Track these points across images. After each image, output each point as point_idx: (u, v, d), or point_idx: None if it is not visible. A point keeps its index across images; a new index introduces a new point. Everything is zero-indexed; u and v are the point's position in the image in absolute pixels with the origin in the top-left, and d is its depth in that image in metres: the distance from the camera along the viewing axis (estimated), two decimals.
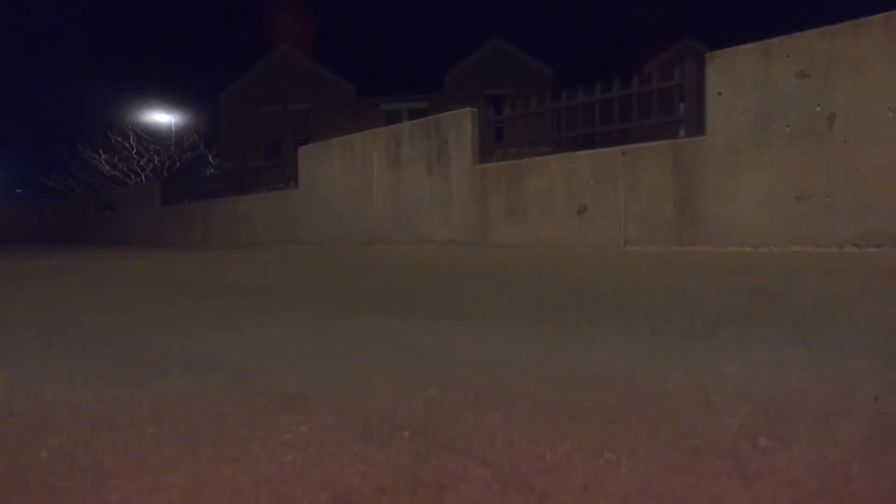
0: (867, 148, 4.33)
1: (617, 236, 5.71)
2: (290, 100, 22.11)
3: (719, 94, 5.08)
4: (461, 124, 7.08)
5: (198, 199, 12.74)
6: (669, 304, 2.55)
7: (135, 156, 23.56)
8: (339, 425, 1.21)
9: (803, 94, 4.62)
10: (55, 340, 2.24)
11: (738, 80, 4.94)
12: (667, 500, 0.84)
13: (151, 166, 24.02)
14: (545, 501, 0.85)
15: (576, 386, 1.40)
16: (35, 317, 2.92)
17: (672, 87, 5.55)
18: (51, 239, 19.91)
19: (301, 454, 1.06)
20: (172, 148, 23.79)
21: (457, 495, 0.88)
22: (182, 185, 13.70)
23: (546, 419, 1.19)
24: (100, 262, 7.60)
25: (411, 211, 7.79)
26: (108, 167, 23.65)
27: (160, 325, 2.51)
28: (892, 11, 4.23)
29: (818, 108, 4.56)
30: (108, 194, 17.40)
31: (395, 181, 8.03)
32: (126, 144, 23.35)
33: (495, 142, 7.29)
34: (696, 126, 5.28)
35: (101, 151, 23.40)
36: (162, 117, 24.45)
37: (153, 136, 23.89)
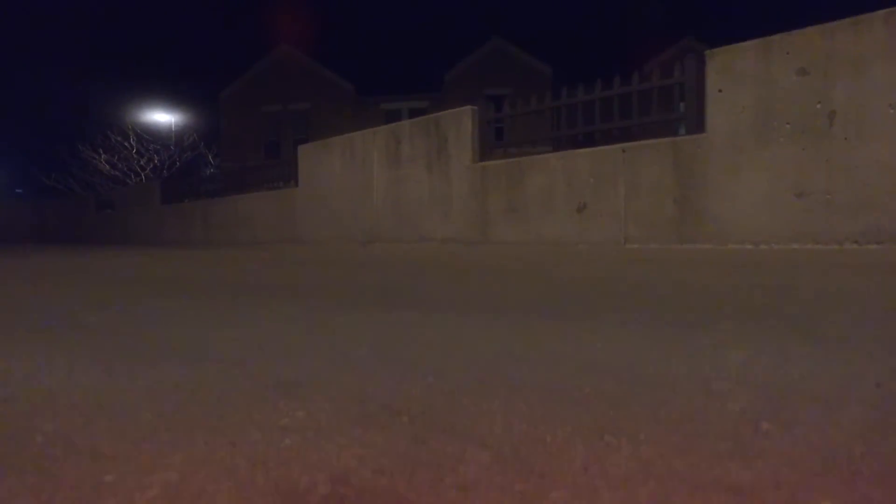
0: (868, 145, 4.33)
1: (617, 234, 5.70)
2: (290, 99, 22.11)
3: (719, 91, 5.07)
4: (461, 122, 7.07)
5: (198, 199, 12.74)
6: (670, 298, 2.55)
7: (135, 155, 23.55)
8: (337, 410, 1.20)
9: (804, 92, 4.61)
10: (53, 333, 2.23)
11: (738, 77, 4.94)
12: (668, 480, 0.83)
13: (151, 166, 24.01)
14: (545, 481, 0.84)
15: (576, 374, 1.39)
16: (33, 311, 2.91)
17: (672, 84, 5.54)
18: (50, 238, 19.90)
19: (299, 438, 1.05)
20: (172, 148, 23.78)
21: (455, 476, 0.88)
22: (182, 185, 13.69)
23: (546, 405, 1.18)
24: (98, 260, 7.59)
25: (411, 209, 7.79)
26: (108, 167, 23.64)
27: (158, 319, 2.50)
28: (892, 8, 4.23)
29: (818, 106, 4.55)
30: (108, 194, 17.39)
31: (395, 180, 8.02)
32: (126, 144, 23.35)
33: (495, 140, 7.28)
34: (697, 123, 5.27)
35: (101, 151, 23.39)
36: (162, 117, 24.44)
37: (153, 136, 23.88)
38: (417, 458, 0.94)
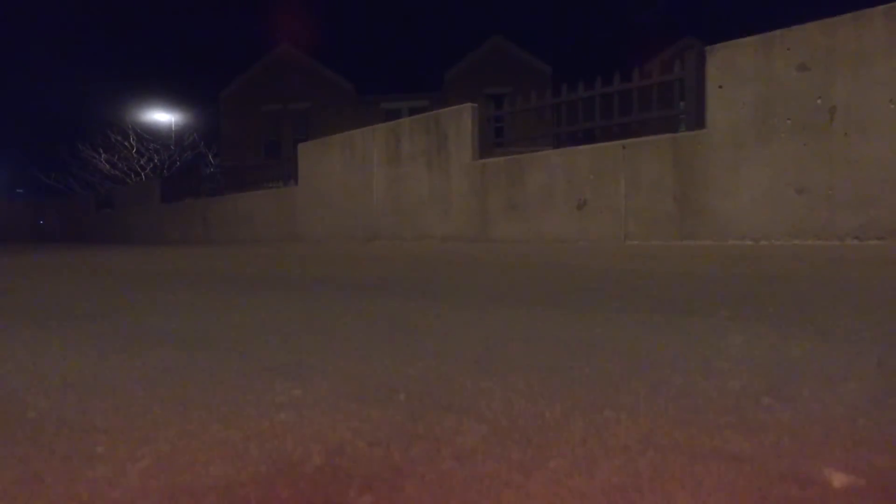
0: (868, 140, 4.31)
1: (617, 231, 5.69)
2: (290, 99, 22.11)
3: (720, 87, 5.06)
4: (461, 120, 7.06)
5: (198, 198, 12.73)
6: (670, 288, 2.53)
7: (135, 155, 23.55)
8: (334, 389, 1.18)
9: (804, 87, 4.61)
10: (50, 321, 2.22)
11: (738, 73, 4.93)
12: (668, 450, 0.82)
13: (151, 166, 24.00)
14: (543, 452, 0.83)
15: (576, 355, 1.38)
16: (30, 302, 2.90)
17: (672, 80, 5.53)
18: (50, 237, 19.90)
19: (294, 414, 1.04)
20: (172, 147, 23.78)
21: (452, 447, 0.86)
22: (182, 184, 13.68)
23: (545, 383, 1.17)
24: (95, 256, 7.58)
25: (411, 207, 7.77)
26: (108, 166, 23.64)
27: (155, 308, 2.49)
28: (892, 3, 4.22)
29: (819, 101, 4.54)
30: (108, 193, 17.38)
31: (394, 177, 8.01)
32: (126, 144, 23.36)
33: (495, 138, 7.27)
34: (697, 120, 5.26)
35: (101, 151, 23.40)
36: (162, 116, 24.43)
37: (153, 136, 23.89)
38: (414, 432, 0.93)
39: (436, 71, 22.44)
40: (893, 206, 4.19)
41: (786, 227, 4.68)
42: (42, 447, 0.92)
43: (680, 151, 5.26)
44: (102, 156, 23.55)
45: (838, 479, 0.71)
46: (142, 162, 23.93)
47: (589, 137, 6.31)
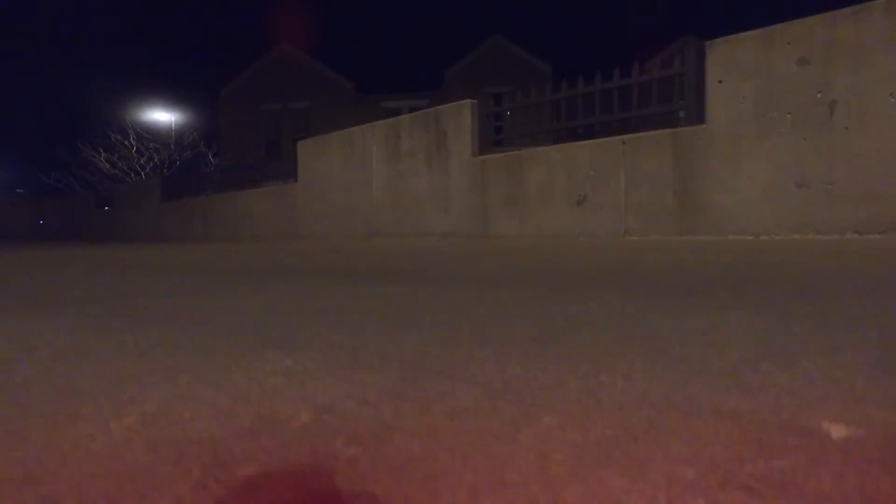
0: (868, 134, 4.30)
1: (617, 226, 5.67)
2: (290, 98, 22.12)
3: (720, 82, 5.05)
4: (461, 116, 7.05)
5: (198, 196, 12.72)
6: (669, 274, 2.51)
7: (135, 154, 23.57)
8: (326, 359, 1.17)
9: (804, 81, 4.59)
10: (46, 306, 2.20)
11: (738, 67, 4.92)
12: (664, 408, 0.80)
13: (151, 165, 24.03)
14: (536, 409, 0.81)
15: (572, 330, 1.36)
16: (27, 291, 2.88)
17: (672, 76, 5.52)
18: (50, 236, 19.88)
19: (284, 380, 1.02)
20: (172, 146, 23.80)
21: (443, 406, 0.84)
22: (182, 182, 13.68)
23: (540, 353, 1.15)
24: (95, 252, 7.56)
25: (411, 204, 7.76)
26: (108, 165, 23.66)
27: (152, 294, 2.48)
28: None
29: (819, 95, 4.53)
30: (108, 191, 17.38)
31: (394, 174, 8.00)
32: (126, 143, 23.38)
33: (495, 134, 7.26)
34: (697, 114, 5.25)
35: (100, 150, 23.41)
36: (162, 116, 24.45)
37: (153, 135, 23.91)
38: (405, 393, 0.91)
39: (436, 70, 22.46)
40: (894, 200, 4.17)
41: (786, 222, 4.66)
42: (26, 408, 0.90)
43: (680, 146, 5.25)
44: (102, 155, 23.57)
45: (837, 431, 0.69)
46: (142, 161, 23.95)
47: (589, 133, 6.30)
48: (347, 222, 8.73)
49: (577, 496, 0.55)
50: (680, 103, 5.51)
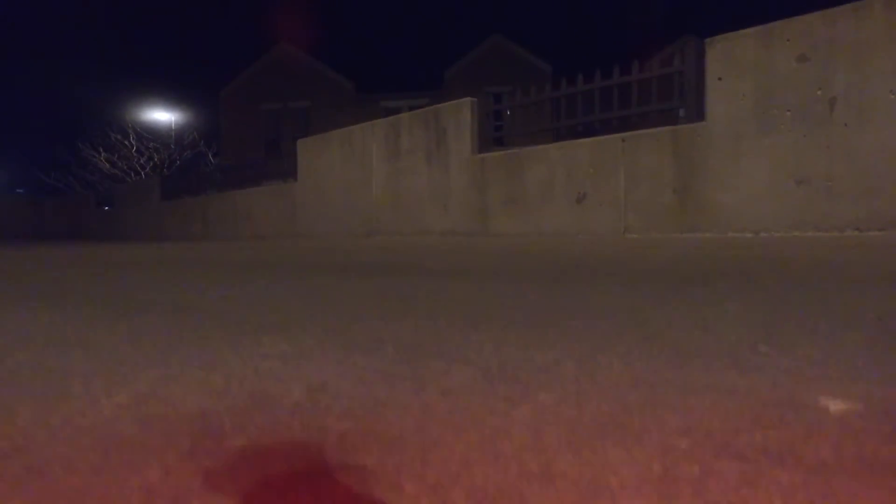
0: (868, 131, 4.29)
1: (617, 224, 5.66)
2: (289, 97, 22.09)
3: (719, 79, 5.03)
4: (460, 114, 7.04)
5: (197, 195, 12.71)
6: (668, 267, 2.50)
7: (134, 154, 23.57)
8: (321, 342, 1.16)
9: (804, 78, 4.58)
10: (43, 298, 2.19)
11: (738, 65, 4.91)
12: (660, 386, 0.79)
13: (151, 164, 24.02)
14: (532, 388, 0.80)
15: (571, 316, 1.35)
16: (25, 286, 2.87)
17: (672, 73, 5.51)
18: (50, 236, 19.87)
19: (278, 362, 1.01)
20: (172, 146, 23.80)
21: (438, 385, 0.84)
22: (182, 181, 13.67)
23: (538, 337, 1.14)
24: (95, 250, 7.56)
25: (411, 202, 7.75)
26: (108, 165, 23.66)
27: (149, 286, 2.46)
28: None
29: (819, 92, 4.51)
30: (108, 191, 17.38)
31: (394, 172, 7.99)
32: (126, 143, 23.38)
33: (495, 132, 7.25)
34: (696, 112, 5.24)
35: (100, 150, 23.41)
36: (162, 115, 24.44)
37: (153, 135, 23.91)
38: (400, 374, 0.90)
39: (436, 69, 22.45)
40: (894, 197, 4.16)
41: (786, 219, 4.65)
42: (17, 388, 0.89)
43: (679, 144, 5.24)
44: (102, 155, 23.57)
45: (835, 405, 0.68)
46: (142, 161, 23.95)
47: (589, 131, 6.29)
48: (347, 221, 8.72)
49: (569, 465, 0.55)
50: (680, 101, 5.51)
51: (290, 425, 0.68)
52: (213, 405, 0.77)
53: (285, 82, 22.15)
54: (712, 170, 5.09)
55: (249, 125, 22.44)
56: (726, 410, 0.68)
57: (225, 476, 0.55)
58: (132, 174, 23.78)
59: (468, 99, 7.03)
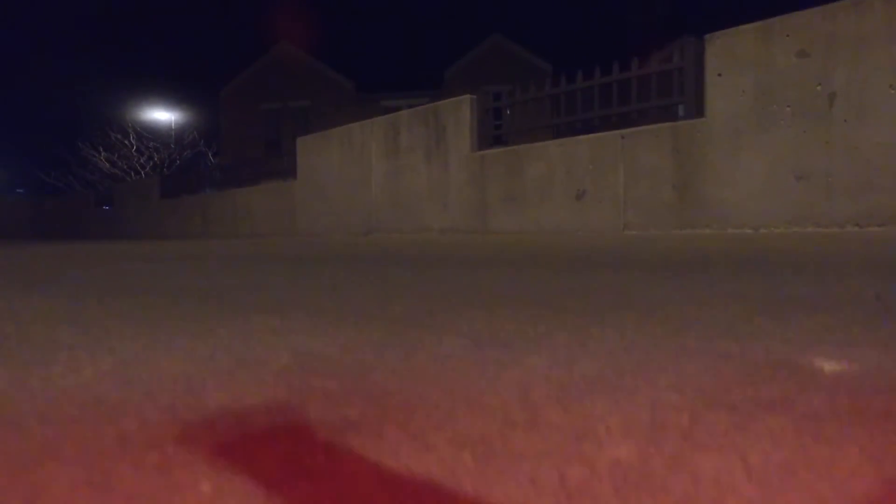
0: (868, 126, 4.27)
1: (616, 220, 5.64)
2: (289, 97, 22.10)
3: (719, 75, 5.02)
4: (460, 111, 7.03)
5: (197, 193, 12.71)
6: (665, 257, 2.49)
7: (134, 153, 23.58)
8: (313, 319, 1.14)
9: (804, 74, 4.57)
10: (37, 285, 2.18)
11: (738, 61, 4.90)
12: (653, 351, 0.78)
13: (151, 164, 24.03)
14: (522, 354, 0.79)
15: (565, 295, 1.34)
16: (17, 275, 2.86)
17: (671, 69, 5.50)
18: (49, 235, 19.87)
19: (269, 335, 1.00)
20: (172, 146, 23.80)
21: (428, 352, 0.82)
22: (181, 180, 13.67)
23: (532, 313, 1.12)
24: (94, 246, 7.55)
25: (410, 200, 7.74)
26: (108, 165, 23.66)
27: (141, 274, 2.45)
28: None
29: (819, 88, 4.50)
30: (108, 190, 17.37)
31: (393, 170, 7.98)
32: (126, 142, 23.39)
33: (494, 129, 7.24)
34: (696, 108, 5.22)
35: (100, 149, 23.41)
36: (162, 115, 24.45)
37: (153, 134, 23.92)
38: (390, 343, 0.89)
39: (436, 69, 22.46)
40: (893, 193, 4.15)
41: (785, 215, 4.63)
42: (7, 357, 0.88)
43: (679, 140, 5.22)
44: (102, 154, 23.57)
45: (829, 367, 0.67)
46: (142, 160, 23.95)
47: (588, 128, 6.28)
48: (346, 219, 8.70)
49: (556, 416, 0.53)
50: (679, 97, 5.49)
51: (274, 385, 0.67)
52: (197, 370, 0.76)
53: (285, 82, 22.16)
54: (712, 166, 5.08)
55: (249, 125, 22.45)
56: (719, 371, 0.66)
57: (203, 426, 0.53)
58: (132, 174, 23.78)
59: (467, 96, 7.02)
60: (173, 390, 0.65)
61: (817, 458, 0.42)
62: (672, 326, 0.94)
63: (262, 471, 0.43)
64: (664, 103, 5.68)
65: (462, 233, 7.07)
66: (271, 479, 0.42)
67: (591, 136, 5.99)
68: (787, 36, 4.71)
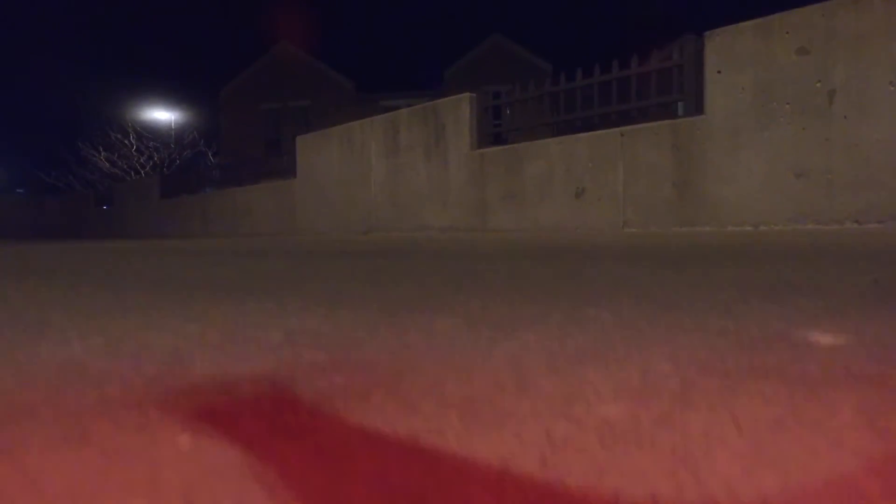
0: (868, 123, 4.27)
1: (615, 218, 5.63)
2: (289, 97, 22.12)
3: (719, 72, 5.01)
4: (460, 109, 7.03)
5: (196, 193, 12.71)
6: (662, 250, 2.48)
7: (135, 153, 23.57)
8: (307, 302, 1.13)
9: (803, 71, 4.56)
10: (31, 276, 2.17)
11: (737, 58, 4.89)
12: (647, 328, 0.77)
13: (151, 164, 24.02)
14: (514, 330, 0.78)
15: (562, 280, 1.33)
16: (16, 266, 2.86)
17: (671, 67, 5.49)
18: (49, 234, 19.87)
19: (261, 315, 0.99)
20: (172, 145, 23.79)
21: (420, 329, 0.81)
22: (181, 179, 13.66)
23: (527, 296, 1.12)
24: (94, 243, 7.54)
25: (409, 198, 7.73)
26: (108, 164, 23.65)
27: (140, 267, 2.44)
28: None
29: (818, 84, 4.49)
30: (108, 189, 17.37)
31: (393, 169, 7.97)
32: (126, 142, 23.38)
33: (494, 127, 7.23)
34: (696, 106, 5.21)
35: (100, 149, 23.40)
36: (162, 115, 24.45)
37: (153, 134, 23.91)
38: (383, 322, 0.88)
39: (436, 69, 22.55)
40: (893, 189, 4.14)
41: (785, 212, 4.62)
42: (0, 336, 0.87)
43: (679, 138, 5.22)
44: (102, 154, 23.56)
45: (826, 339, 0.66)
46: (142, 160, 23.94)
47: (588, 126, 6.27)
48: (346, 218, 8.70)
49: (546, 382, 0.52)
50: (679, 95, 5.49)
51: (262, 357, 0.66)
52: (185, 345, 0.75)
53: (285, 82, 22.18)
54: (711, 163, 5.07)
55: (249, 125, 22.47)
56: (714, 344, 0.66)
57: (186, 392, 0.53)
58: (132, 173, 23.78)
59: (467, 94, 7.01)
60: (160, 362, 0.64)
61: (810, 415, 0.41)
62: (667, 307, 0.93)
63: (242, 430, 0.42)
64: (664, 101, 5.67)
65: (461, 231, 7.06)
66: (251, 436, 0.41)
67: (590, 133, 5.98)
68: (787, 33, 4.71)
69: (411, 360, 0.62)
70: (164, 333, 0.84)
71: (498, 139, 7.24)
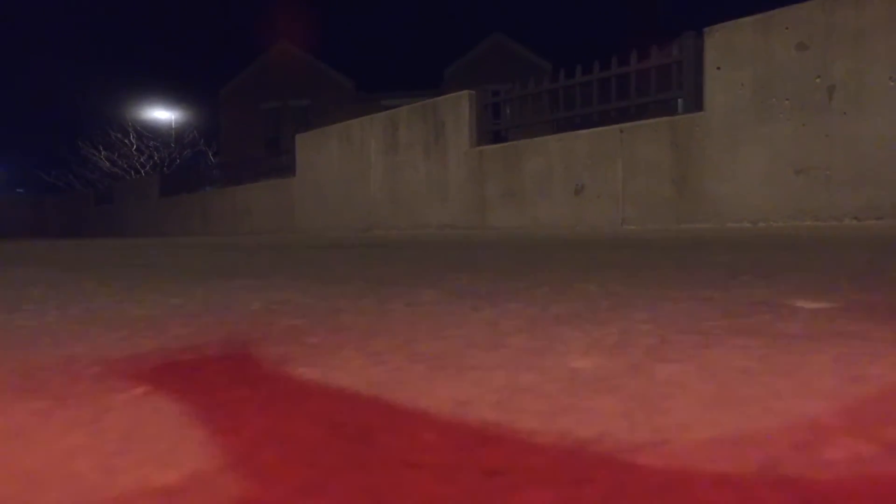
0: (867, 119, 4.25)
1: (615, 215, 5.62)
2: (289, 96, 22.12)
3: (718, 68, 5.00)
4: (459, 107, 7.02)
5: (196, 191, 12.71)
6: (660, 242, 2.47)
7: (135, 153, 23.58)
8: (292, 280, 1.12)
9: (803, 67, 4.55)
10: (31, 266, 2.17)
11: (736, 54, 4.88)
12: (632, 297, 0.76)
13: (151, 163, 24.03)
14: (498, 300, 0.77)
15: (551, 263, 1.32)
16: (11, 260, 2.85)
17: (670, 63, 5.47)
18: (49, 233, 19.89)
19: (245, 291, 0.98)
20: (172, 145, 23.80)
21: (402, 300, 0.80)
22: (181, 178, 13.66)
23: (514, 274, 1.10)
24: (91, 241, 7.55)
25: (409, 196, 7.72)
26: (108, 164, 23.66)
27: (135, 259, 2.44)
28: None
29: (818, 80, 4.48)
30: (108, 188, 17.38)
31: (392, 166, 7.96)
32: (126, 141, 23.40)
33: (493, 126, 7.22)
34: (695, 102, 5.20)
35: (101, 148, 23.41)
36: (162, 114, 24.47)
37: (153, 133, 23.93)
38: (366, 294, 0.87)
39: (436, 68, 22.47)
40: (892, 186, 4.12)
41: (784, 209, 4.60)
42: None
43: (678, 134, 5.20)
44: (102, 153, 23.58)
45: (811, 305, 0.65)
46: (142, 159, 23.96)
47: (587, 123, 6.26)
48: (345, 216, 8.69)
49: (519, 341, 0.51)
50: (678, 91, 5.47)
51: (240, 322, 0.65)
52: (164, 313, 0.74)
53: (285, 81, 22.19)
54: (711, 160, 5.05)
55: (249, 124, 22.49)
56: (697, 311, 0.64)
57: (154, 350, 0.52)
58: (132, 172, 23.80)
59: (466, 92, 7.00)
60: (136, 326, 0.64)
61: (782, 364, 0.40)
62: (655, 281, 0.92)
63: (202, 380, 0.42)
64: (663, 97, 5.65)
65: (461, 228, 7.05)
66: (209, 385, 0.40)
67: (589, 130, 5.97)
68: (786, 29, 4.69)
69: (389, 324, 0.61)
70: (144, 305, 0.83)
71: (497, 136, 7.22)
